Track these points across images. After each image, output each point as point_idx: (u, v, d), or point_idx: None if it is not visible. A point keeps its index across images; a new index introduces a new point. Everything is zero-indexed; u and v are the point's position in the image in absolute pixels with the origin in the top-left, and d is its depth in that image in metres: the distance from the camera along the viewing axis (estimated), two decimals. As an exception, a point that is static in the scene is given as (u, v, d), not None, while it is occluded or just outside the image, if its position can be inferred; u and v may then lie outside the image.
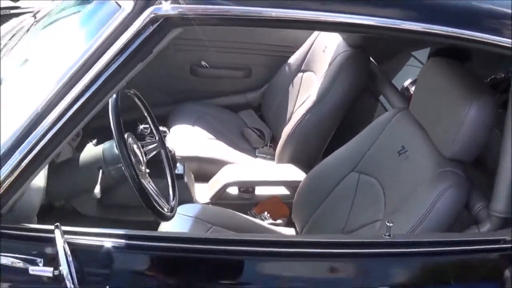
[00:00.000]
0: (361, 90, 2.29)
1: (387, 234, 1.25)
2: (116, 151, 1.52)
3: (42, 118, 1.09)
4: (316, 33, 2.53)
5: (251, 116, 2.72)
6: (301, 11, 1.10)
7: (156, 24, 1.05)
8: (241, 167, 2.25)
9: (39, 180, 1.34)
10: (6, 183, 1.10)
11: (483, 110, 1.42)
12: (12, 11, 2.43)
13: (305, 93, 2.38)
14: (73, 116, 1.08)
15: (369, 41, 2.23)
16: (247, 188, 2.14)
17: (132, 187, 1.57)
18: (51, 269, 1.06)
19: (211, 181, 2.16)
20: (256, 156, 2.46)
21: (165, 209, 1.52)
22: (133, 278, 1.20)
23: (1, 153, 1.09)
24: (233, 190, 2.15)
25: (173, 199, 1.63)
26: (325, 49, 2.39)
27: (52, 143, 1.10)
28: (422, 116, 1.67)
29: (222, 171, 2.15)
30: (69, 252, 1.05)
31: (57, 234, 1.06)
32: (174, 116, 2.52)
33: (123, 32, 1.07)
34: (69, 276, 1.02)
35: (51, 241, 1.10)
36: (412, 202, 1.52)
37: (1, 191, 1.11)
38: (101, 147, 1.62)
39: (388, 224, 1.24)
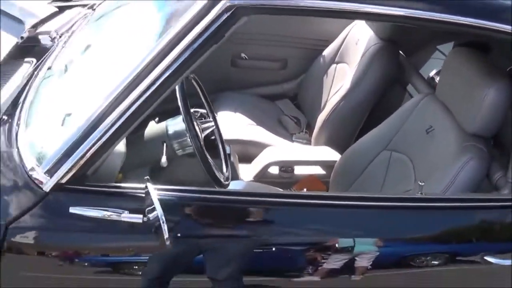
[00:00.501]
0: (391, 80, 2.53)
1: (419, 192, 1.50)
2: (178, 127, 1.79)
3: (129, 91, 1.34)
4: (349, 27, 2.77)
5: (287, 105, 2.98)
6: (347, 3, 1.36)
7: (230, 12, 1.30)
8: (281, 149, 2.51)
9: (120, 146, 1.60)
10: (93, 149, 1.35)
11: (501, 92, 1.67)
12: (66, 4, 2.56)
13: (339, 83, 2.63)
14: (156, 89, 1.33)
15: (399, 35, 2.48)
16: (287, 167, 2.39)
17: (187, 163, 1.85)
18: (141, 215, 1.33)
19: (254, 161, 2.42)
20: (293, 141, 2.71)
21: (222, 179, 1.78)
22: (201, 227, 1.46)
23: (89, 125, 1.35)
24: (274, 170, 2.40)
25: (226, 171, 1.89)
26: (357, 42, 2.63)
27: (135, 115, 1.36)
28: (447, 98, 1.91)
29: (264, 152, 2.41)
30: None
31: (149, 185, 1.32)
32: (217, 103, 2.78)
33: (202, 18, 1.32)
34: (163, 218, 1.28)
35: (135, 196, 1.38)
36: (439, 173, 1.76)
37: (88, 156, 1.37)
38: (164, 123, 1.88)
39: (420, 183, 1.50)
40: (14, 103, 1.71)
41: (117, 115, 1.33)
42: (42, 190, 1.37)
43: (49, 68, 1.81)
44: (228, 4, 1.30)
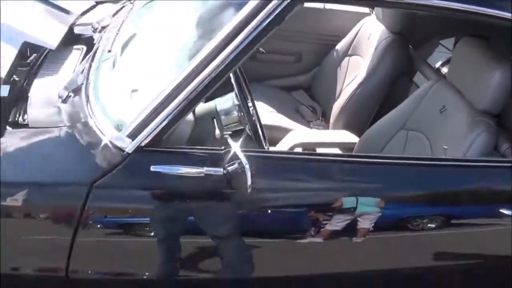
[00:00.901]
0: (401, 71, 2.83)
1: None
2: (227, 105, 2.06)
3: (203, 67, 1.60)
4: (360, 24, 3.07)
5: (302, 95, 3.26)
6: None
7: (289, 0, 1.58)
8: (304, 132, 2.79)
9: (190, 116, 1.88)
10: (170, 116, 1.61)
11: (506, 75, 1.97)
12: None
13: (353, 74, 2.92)
14: (227, 65, 1.60)
15: (408, 29, 2.78)
16: (309, 149, 2.66)
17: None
18: (221, 169, 1.60)
19: (279, 143, 2.69)
20: (311, 128, 3.00)
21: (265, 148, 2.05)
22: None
23: (168, 95, 1.62)
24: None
25: (265, 143, 2.15)
26: (369, 36, 2.93)
27: (207, 88, 1.62)
28: (458, 82, 2.21)
29: (288, 135, 2.68)
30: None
31: (230, 140, 1.59)
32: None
33: (267, 5, 1.58)
34: (247, 165, 1.54)
35: (210, 154, 1.65)
36: (453, 146, 2.05)
37: (166, 122, 1.63)
38: (212, 102, 2.15)
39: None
40: (76, 83, 1.97)
41: (192, 87, 1.60)
42: (125, 152, 1.63)
43: (109, 51, 2.06)
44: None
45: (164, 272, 1.79)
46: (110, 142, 1.66)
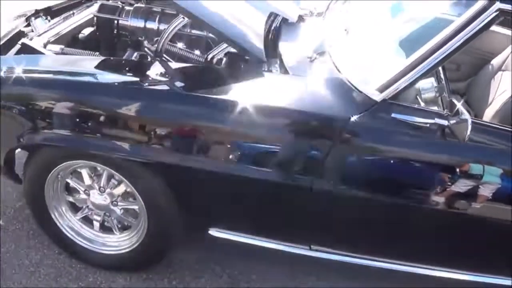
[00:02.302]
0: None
1: None
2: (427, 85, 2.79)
3: (439, 47, 2.35)
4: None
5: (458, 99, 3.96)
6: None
7: (496, 13, 2.28)
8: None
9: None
10: (414, 77, 2.35)
11: None
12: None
13: (504, 86, 3.60)
14: (454, 49, 2.36)
15: None
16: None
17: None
18: (446, 121, 2.33)
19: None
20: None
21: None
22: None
23: (415, 62, 2.36)
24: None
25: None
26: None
27: (440, 62, 2.38)
28: None
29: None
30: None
31: (454, 99, 2.34)
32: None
33: (481, 14, 2.32)
34: (469, 119, 2.24)
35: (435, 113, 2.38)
36: None
37: (409, 82, 2.36)
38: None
39: None
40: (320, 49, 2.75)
41: (431, 59, 2.36)
42: (373, 100, 2.39)
43: (345, 30, 2.85)
44: (497, 7, 2.28)
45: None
46: (362, 92, 2.42)
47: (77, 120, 2.55)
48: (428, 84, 2.76)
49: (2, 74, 2.63)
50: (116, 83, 2.61)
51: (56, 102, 2.56)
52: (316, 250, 2.73)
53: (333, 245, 2.73)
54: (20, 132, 2.65)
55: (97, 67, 2.71)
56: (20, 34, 3.20)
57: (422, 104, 2.59)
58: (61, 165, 2.75)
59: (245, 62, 2.83)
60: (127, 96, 2.51)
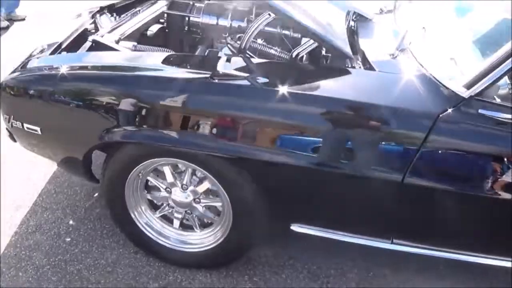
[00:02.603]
0: None
1: None
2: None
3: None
4: None
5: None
6: None
7: None
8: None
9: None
10: (496, 76, 2.44)
11: None
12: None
13: None
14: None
15: None
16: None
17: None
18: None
19: None
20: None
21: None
22: None
23: (499, 60, 2.46)
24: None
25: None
26: None
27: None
28: None
29: None
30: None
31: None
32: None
33: None
34: None
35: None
36: None
37: (493, 80, 2.45)
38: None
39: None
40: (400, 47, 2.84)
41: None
42: (461, 96, 2.47)
43: (423, 28, 2.94)
44: None
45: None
46: (450, 88, 2.49)
47: (161, 117, 2.62)
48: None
49: (80, 71, 2.74)
50: (199, 79, 2.67)
51: (138, 99, 2.63)
52: (398, 244, 2.82)
53: (417, 239, 2.81)
54: (101, 130, 2.71)
55: (173, 63, 2.79)
56: (86, 32, 3.31)
57: (498, 100, 2.69)
58: (143, 163, 2.82)
59: (325, 59, 2.92)
60: (212, 92, 2.59)
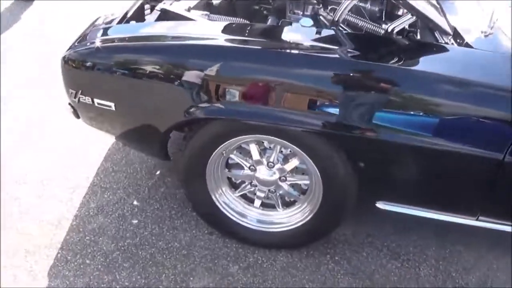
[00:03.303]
0: None
1: None
2: None
3: None
4: None
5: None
6: None
7: None
8: None
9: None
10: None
11: None
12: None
13: None
14: None
15: None
16: None
17: None
18: None
19: None
20: None
21: None
22: None
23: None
24: None
25: None
26: None
27: None
28: None
29: None
30: None
31: None
32: None
33: None
34: None
35: None
36: None
37: None
38: None
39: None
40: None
41: None
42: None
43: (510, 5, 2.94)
44: None
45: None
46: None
47: (253, 92, 2.55)
48: None
49: (158, 42, 2.72)
50: (292, 53, 2.60)
51: (228, 73, 2.57)
52: (483, 221, 2.86)
53: (502, 216, 2.86)
54: (187, 107, 2.63)
55: (257, 34, 2.74)
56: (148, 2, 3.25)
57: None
58: (229, 140, 2.74)
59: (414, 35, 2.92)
60: (309, 66, 2.51)
